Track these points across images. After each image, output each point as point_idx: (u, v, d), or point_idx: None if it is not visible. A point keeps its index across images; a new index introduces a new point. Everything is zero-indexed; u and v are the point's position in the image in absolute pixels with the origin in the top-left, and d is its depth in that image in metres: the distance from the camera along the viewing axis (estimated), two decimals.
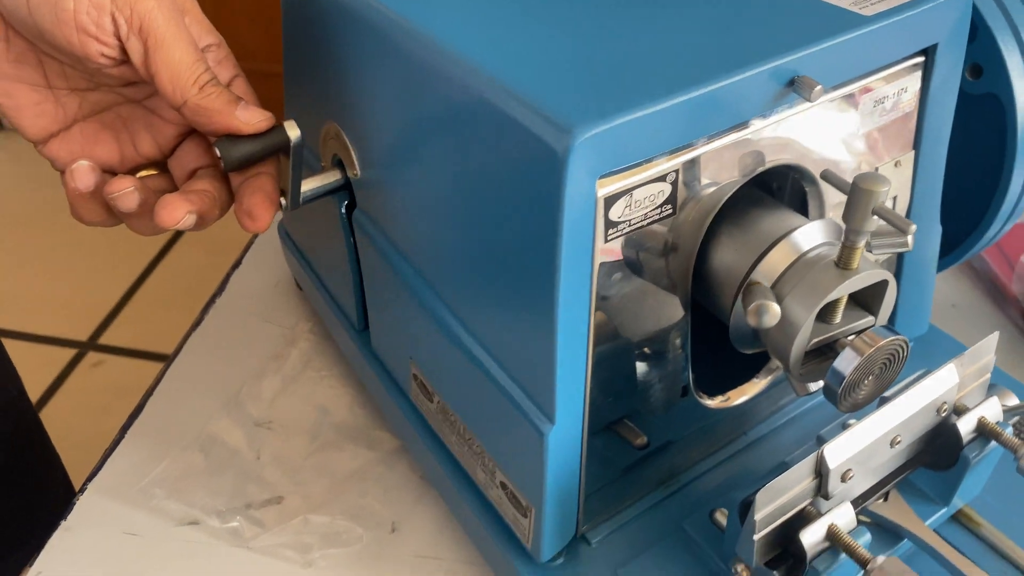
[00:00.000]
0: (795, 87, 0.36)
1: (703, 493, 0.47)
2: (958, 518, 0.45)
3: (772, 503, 0.37)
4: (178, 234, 1.85)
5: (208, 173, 0.44)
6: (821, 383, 0.44)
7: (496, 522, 0.46)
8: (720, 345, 0.45)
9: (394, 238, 0.47)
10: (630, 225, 0.36)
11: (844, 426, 0.47)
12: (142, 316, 1.69)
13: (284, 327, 0.64)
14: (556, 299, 0.35)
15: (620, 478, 0.46)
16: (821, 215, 0.43)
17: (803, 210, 0.43)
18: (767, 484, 0.36)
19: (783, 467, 0.40)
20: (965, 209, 0.52)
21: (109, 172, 0.44)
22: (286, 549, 0.50)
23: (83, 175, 0.41)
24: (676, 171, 0.36)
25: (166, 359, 0.63)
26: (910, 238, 0.39)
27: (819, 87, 0.36)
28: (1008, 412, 0.42)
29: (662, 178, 0.36)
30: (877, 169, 0.44)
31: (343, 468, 0.55)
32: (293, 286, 0.67)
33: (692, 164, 0.36)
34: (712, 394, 0.46)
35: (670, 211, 0.37)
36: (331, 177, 0.51)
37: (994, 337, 0.42)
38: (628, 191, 0.35)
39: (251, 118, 0.40)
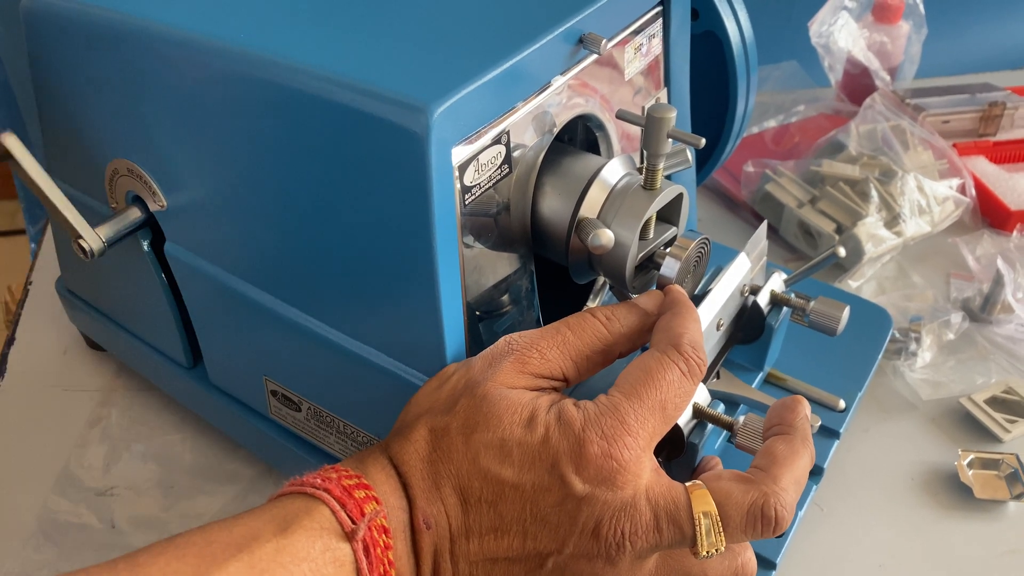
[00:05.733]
0: (584, 44, 0.42)
1: None
2: (769, 379, 0.54)
3: None
4: None
5: None
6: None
7: None
8: (552, 288, 0.50)
9: (225, 262, 0.46)
10: (480, 188, 0.40)
11: None
12: None
13: (92, 390, 0.60)
14: (436, 268, 0.38)
15: None
16: (611, 155, 0.50)
17: (596, 153, 0.49)
18: None
19: None
20: (704, 135, 0.61)
21: None
22: None
23: None
24: (507, 132, 0.40)
25: None
26: (690, 154, 0.47)
27: (604, 40, 0.41)
28: (786, 283, 0.52)
29: (498, 140, 0.40)
30: (644, 108, 0.51)
31: (211, 509, 0.54)
32: (85, 347, 0.63)
33: (516, 125, 0.41)
34: None
35: (507, 170, 0.41)
36: (131, 216, 0.49)
37: (763, 226, 0.50)
38: (475, 156, 0.38)
39: None
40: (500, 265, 0.44)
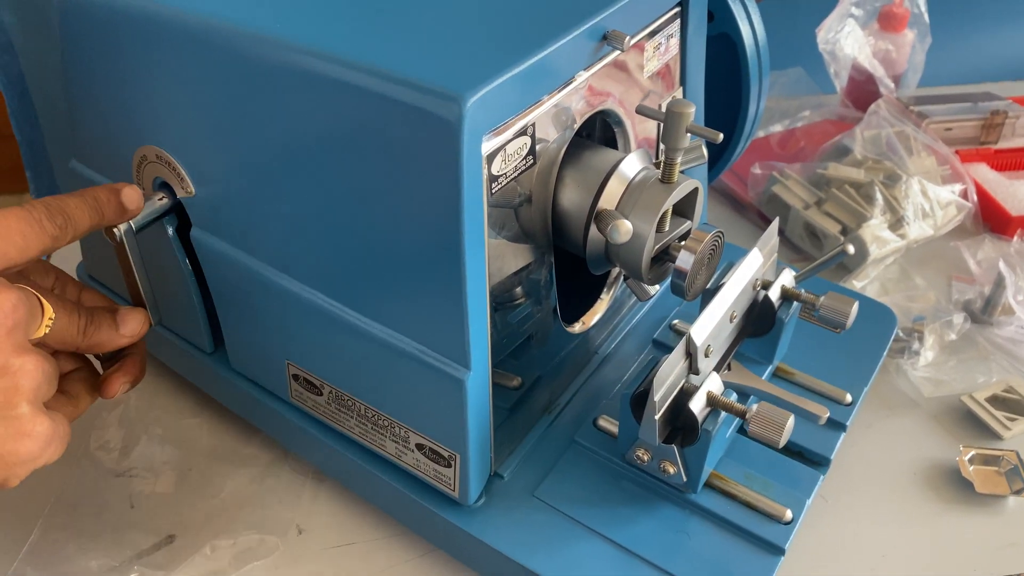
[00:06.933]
0: (608, 40, 0.43)
1: (581, 409, 0.53)
2: (778, 373, 0.55)
3: (662, 386, 0.43)
4: None
5: (79, 375, 0.46)
6: (657, 287, 0.52)
7: (414, 485, 0.49)
8: (567, 280, 0.51)
9: (252, 248, 0.48)
10: (507, 178, 0.41)
11: (671, 327, 0.56)
12: None
13: None
14: (463, 255, 0.39)
15: (509, 417, 0.51)
16: (628, 150, 0.51)
17: (615, 148, 0.51)
18: (656, 373, 0.43)
19: (648, 362, 0.47)
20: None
21: None
22: None
23: None
24: (532, 125, 0.41)
25: None
26: (704, 150, 0.48)
27: (628, 37, 0.43)
28: (796, 279, 0.53)
29: (524, 132, 0.41)
30: (660, 105, 0.52)
31: (226, 490, 0.55)
32: None
33: (540, 118, 0.42)
34: (570, 323, 0.53)
35: (532, 161, 0.42)
36: (158, 202, 0.50)
37: (775, 223, 0.52)
38: (502, 147, 0.40)
39: (133, 329, 0.46)
40: (519, 256, 0.46)
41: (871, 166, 0.74)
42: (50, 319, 0.41)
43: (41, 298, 0.41)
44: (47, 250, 0.43)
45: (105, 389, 0.46)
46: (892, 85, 0.84)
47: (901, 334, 0.63)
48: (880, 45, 0.84)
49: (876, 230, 0.69)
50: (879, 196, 0.71)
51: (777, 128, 0.85)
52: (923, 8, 0.84)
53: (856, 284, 0.68)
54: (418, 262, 0.41)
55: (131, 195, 0.47)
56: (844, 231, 0.70)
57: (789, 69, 0.91)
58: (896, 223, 0.71)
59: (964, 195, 0.74)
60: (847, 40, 0.83)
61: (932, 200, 0.72)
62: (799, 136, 0.84)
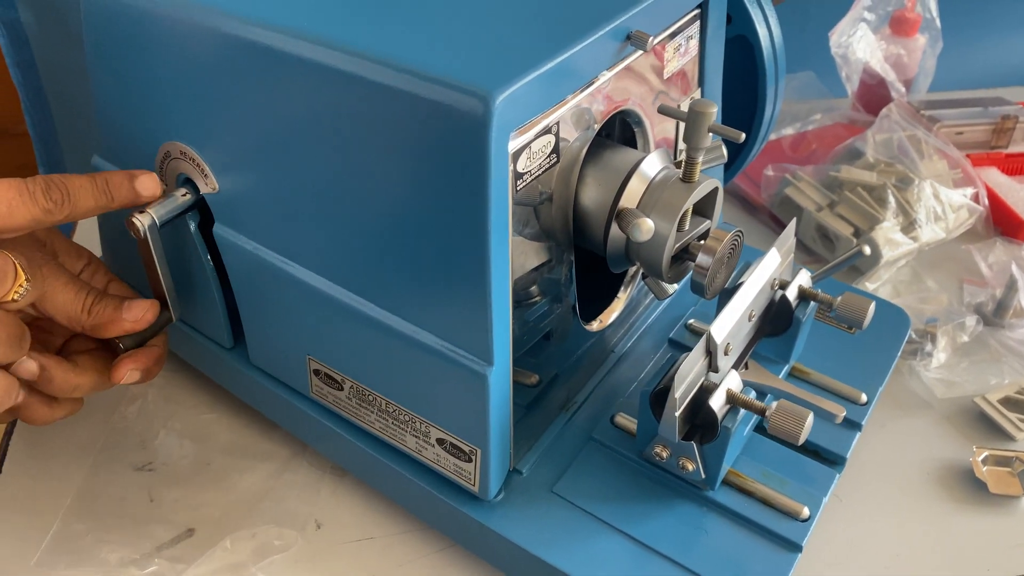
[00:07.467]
0: (632, 41, 0.43)
1: (597, 407, 0.53)
2: (794, 373, 0.55)
3: (683, 383, 0.44)
4: None
5: (93, 353, 0.49)
6: (676, 286, 0.52)
7: (434, 480, 0.49)
8: (584, 278, 0.51)
9: (276, 244, 0.48)
10: (531, 175, 0.41)
11: (686, 326, 0.57)
12: None
13: None
14: (488, 251, 0.39)
15: (526, 414, 0.51)
16: (648, 150, 0.51)
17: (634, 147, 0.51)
18: (676, 370, 0.44)
19: (667, 360, 0.48)
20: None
21: None
22: (221, 574, 0.50)
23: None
24: (557, 123, 0.42)
25: None
26: (724, 150, 0.49)
27: (651, 37, 0.43)
28: (814, 278, 0.54)
29: (548, 130, 0.41)
30: (679, 106, 0.53)
31: (245, 485, 0.55)
32: None
33: (564, 117, 0.42)
34: (588, 321, 0.53)
35: (555, 160, 0.43)
36: (181, 198, 0.51)
37: (793, 223, 0.52)
38: (528, 144, 0.40)
39: (136, 315, 0.48)
40: (539, 254, 0.46)
41: (883, 169, 0.75)
42: (20, 286, 0.42)
43: (17, 265, 0.42)
44: (37, 222, 0.45)
45: (113, 371, 0.48)
46: (903, 89, 0.85)
47: (914, 336, 0.63)
48: (892, 49, 0.85)
49: (889, 233, 0.70)
50: (892, 199, 0.71)
51: (788, 131, 0.86)
52: (935, 13, 0.85)
53: (869, 286, 0.69)
54: (443, 259, 0.41)
55: (147, 182, 0.48)
56: (856, 233, 0.71)
57: (799, 73, 0.91)
58: (908, 226, 0.71)
59: (976, 199, 0.75)
60: (859, 44, 0.83)
61: (944, 203, 0.72)
62: (810, 139, 0.84)
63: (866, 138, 0.78)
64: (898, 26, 0.85)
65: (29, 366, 0.44)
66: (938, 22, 0.85)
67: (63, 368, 0.46)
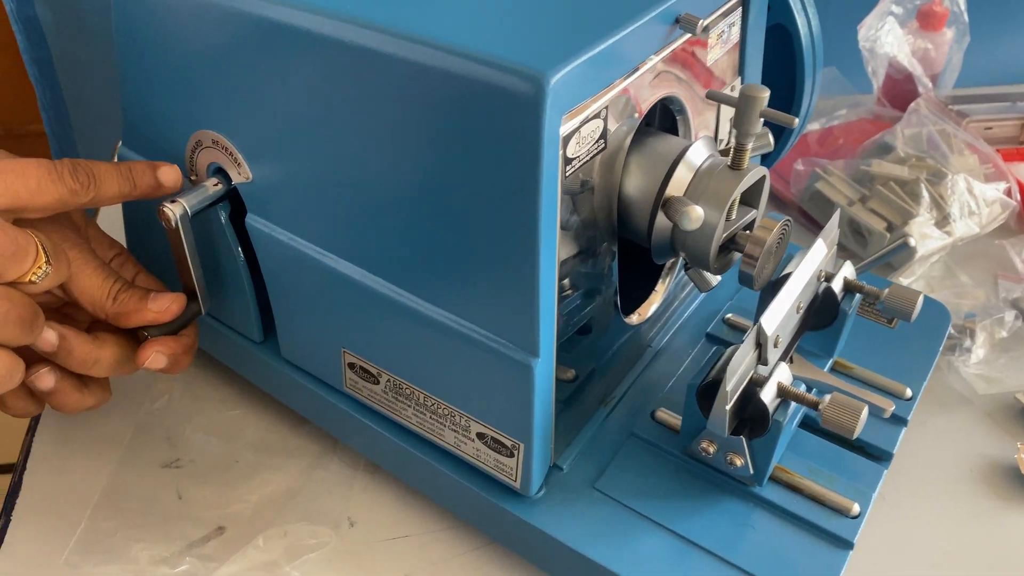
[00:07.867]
0: (681, 24, 0.42)
1: (636, 402, 0.52)
2: (836, 368, 0.54)
3: (734, 376, 0.43)
4: None
5: (115, 334, 0.48)
6: (719, 277, 0.51)
7: (473, 476, 0.48)
8: (621, 270, 0.50)
9: (313, 234, 0.47)
10: (580, 161, 0.40)
11: (724, 321, 0.56)
12: None
13: None
14: (538, 238, 0.38)
15: (564, 409, 0.50)
16: (690, 138, 0.50)
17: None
18: (728, 361, 0.42)
19: (710, 353, 0.46)
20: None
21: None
22: (254, 573, 0.49)
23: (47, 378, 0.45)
24: (605, 108, 0.41)
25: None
26: (771, 137, 0.48)
27: (701, 20, 0.42)
28: (856, 271, 0.52)
29: (597, 115, 0.40)
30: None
31: (276, 482, 0.54)
32: None
33: (613, 102, 0.41)
34: (626, 314, 0.52)
35: (603, 145, 0.42)
36: (212, 188, 0.50)
37: (837, 213, 0.51)
38: (577, 129, 0.39)
39: (162, 306, 0.48)
40: (580, 244, 0.45)
41: (915, 164, 0.74)
42: (39, 267, 0.42)
43: (40, 245, 0.42)
44: (64, 202, 0.45)
45: (139, 353, 0.47)
46: (930, 84, 0.84)
47: (952, 331, 0.62)
48: (919, 44, 0.84)
49: (923, 227, 0.69)
50: (925, 193, 0.70)
51: (815, 126, 0.85)
52: (962, 7, 0.84)
53: (903, 281, 0.68)
54: (490, 247, 0.40)
55: (168, 172, 0.48)
56: (889, 228, 0.70)
57: (824, 68, 0.90)
58: (942, 220, 0.70)
59: (1008, 193, 0.73)
60: (887, 38, 0.82)
61: (978, 198, 0.71)
62: (837, 134, 0.83)
63: (895, 132, 0.77)
64: (925, 20, 0.84)
65: (48, 336, 0.44)
66: (965, 16, 0.84)
67: (83, 339, 0.45)
